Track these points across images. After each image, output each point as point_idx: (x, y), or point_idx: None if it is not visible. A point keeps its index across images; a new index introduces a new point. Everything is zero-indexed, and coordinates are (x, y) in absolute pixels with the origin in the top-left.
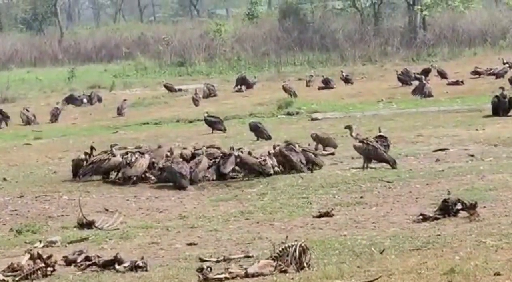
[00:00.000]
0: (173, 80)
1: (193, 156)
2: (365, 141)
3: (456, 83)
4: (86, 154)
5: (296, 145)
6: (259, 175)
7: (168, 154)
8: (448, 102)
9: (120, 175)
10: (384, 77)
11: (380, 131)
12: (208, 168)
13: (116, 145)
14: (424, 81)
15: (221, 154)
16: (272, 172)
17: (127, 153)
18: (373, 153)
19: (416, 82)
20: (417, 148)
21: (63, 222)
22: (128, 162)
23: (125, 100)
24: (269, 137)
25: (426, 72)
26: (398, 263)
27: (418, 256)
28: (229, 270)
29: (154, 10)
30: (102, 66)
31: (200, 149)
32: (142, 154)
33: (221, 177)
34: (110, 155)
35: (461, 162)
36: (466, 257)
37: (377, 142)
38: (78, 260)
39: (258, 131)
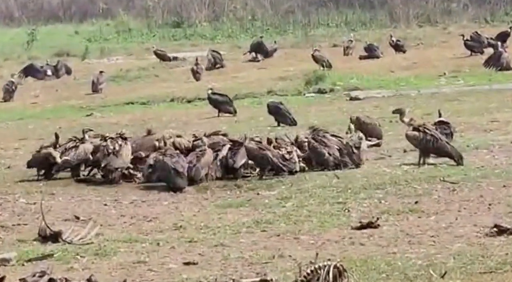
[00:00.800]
0: (167, 46)
1: (193, 146)
2: (421, 129)
3: None
4: (55, 144)
5: (326, 134)
6: (280, 172)
7: (159, 144)
8: None
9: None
10: (448, 43)
11: (440, 116)
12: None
13: (91, 130)
14: (500, 49)
15: (229, 143)
16: (298, 168)
17: (105, 139)
18: (432, 144)
19: (489, 51)
20: (491, 138)
21: (19, 234)
22: (110, 150)
23: (101, 72)
24: (293, 123)
25: (503, 37)
26: None
27: (491, 281)
28: None
29: None
30: (72, 27)
31: (200, 138)
32: (125, 139)
33: (230, 174)
34: (79, 142)
35: None
36: None
37: (437, 129)
38: None
39: (279, 114)
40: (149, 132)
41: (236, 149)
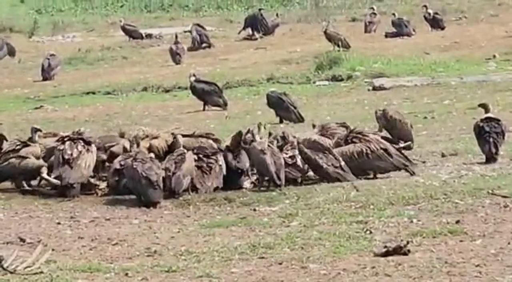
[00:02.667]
0: (138, 19)
1: (170, 148)
2: None
3: None
4: None
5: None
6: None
7: (129, 145)
8: None
9: (46, 176)
10: (498, 17)
11: (488, 111)
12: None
13: (38, 130)
14: None
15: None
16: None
17: (62, 141)
18: None
19: None
20: None
21: None
22: (65, 157)
23: (52, 55)
24: (299, 119)
25: None
26: None
27: None
28: None
29: None
30: None
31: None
32: (88, 143)
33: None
34: (22, 144)
35: None
36: None
37: (482, 127)
38: None
39: (281, 108)
40: (122, 136)
41: (239, 151)
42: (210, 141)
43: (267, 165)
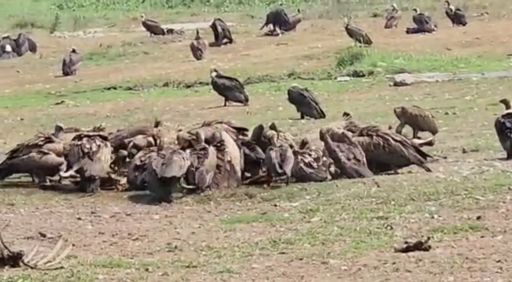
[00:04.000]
0: (159, 15)
1: (190, 144)
2: None
3: None
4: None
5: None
6: (303, 180)
7: (153, 140)
8: None
9: (66, 174)
10: None
11: (508, 107)
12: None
13: (62, 129)
14: None
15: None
16: (329, 176)
17: (80, 138)
18: None
19: None
20: None
21: None
22: (85, 151)
23: (74, 51)
24: (321, 115)
25: None
26: None
27: None
28: None
29: None
30: None
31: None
32: (105, 138)
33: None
34: (45, 140)
35: None
36: None
37: (504, 123)
38: None
39: (303, 104)
40: (156, 125)
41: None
42: (226, 125)
43: (271, 158)
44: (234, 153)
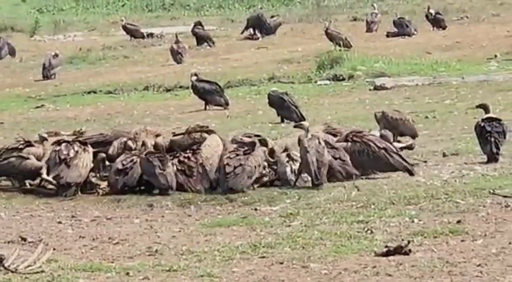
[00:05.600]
0: (139, 18)
1: (170, 148)
2: None
3: None
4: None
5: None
6: (284, 184)
7: (133, 143)
8: None
9: (47, 177)
10: (500, 17)
11: (486, 110)
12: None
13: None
14: None
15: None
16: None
17: (59, 143)
18: None
19: None
20: None
21: None
22: (62, 157)
23: (56, 55)
24: (300, 118)
25: None
26: None
27: None
28: None
29: None
30: None
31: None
32: (84, 144)
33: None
34: (24, 144)
35: None
36: None
37: (484, 127)
38: None
39: (282, 107)
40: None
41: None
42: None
43: (308, 163)
44: (208, 156)
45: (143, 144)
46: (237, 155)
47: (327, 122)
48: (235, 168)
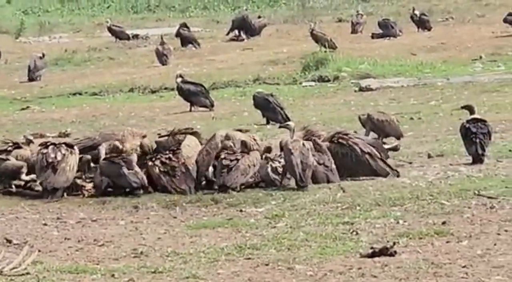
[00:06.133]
0: (124, 20)
1: (155, 150)
2: None
3: None
4: None
5: (322, 134)
6: (269, 185)
7: (120, 145)
8: None
9: (26, 178)
10: (485, 18)
11: (472, 112)
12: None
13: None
14: None
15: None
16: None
17: (46, 146)
18: None
19: None
20: None
21: None
22: (49, 160)
23: (42, 56)
24: (285, 120)
25: None
26: None
27: None
28: None
29: None
30: None
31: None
32: (71, 147)
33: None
34: (12, 146)
35: None
36: None
37: (469, 128)
38: None
39: (268, 109)
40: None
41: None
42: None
43: (293, 165)
44: (189, 155)
45: (141, 145)
46: (234, 152)
47: (306, 126)
48: (230, 163)
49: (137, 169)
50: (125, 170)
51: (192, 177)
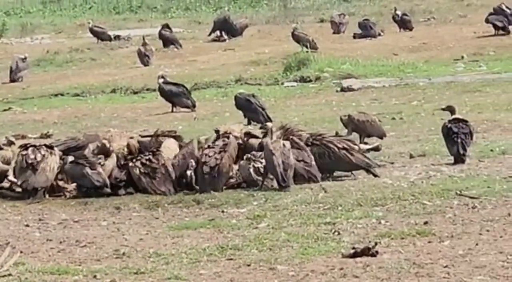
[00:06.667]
0: (106, 21)
1: (139, 150)
2: None
3: None
4: None
5: (303, 134)
6: (251, 185)
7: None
8: None
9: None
10: (466, 18)
11: (453, 112)
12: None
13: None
14: None
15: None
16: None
17: (26, 148)
18: None
19: None
20: None
21: None
22: (29, 161)
23: (24, 58)
24: (267, 120)
25: None
26: None
27: None
28: None
29: None
30: None
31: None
32: (51, 147)
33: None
34: None
35: None
36: None
37: (450, 128)
38: None
39: (249, 109)
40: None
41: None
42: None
43: (275, 166)
44: (169, 157)
45: (128, 145)
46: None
47: (284, 125)
48: (211, 168)
49: (100, 169)
50: (88, 170)
51: (171, 179)
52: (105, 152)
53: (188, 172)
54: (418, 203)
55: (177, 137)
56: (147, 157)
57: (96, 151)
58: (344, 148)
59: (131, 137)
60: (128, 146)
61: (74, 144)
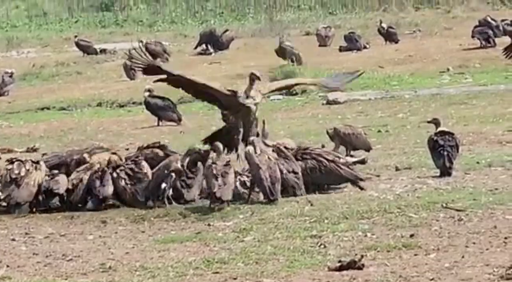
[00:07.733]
0: (92, 35)
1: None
2: None
3: None
4: None
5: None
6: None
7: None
8: None
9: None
10: (452, 31)
11: (438, 125)
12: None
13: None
14: None
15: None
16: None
17: (11, 162)
18: None
19: (506, 40)
20: (507, 152)
21: None
22: (13, 177)
23: (11, 73)
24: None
25: None
26: None
27: None
28: None
29: None
30: None
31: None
32: (36, 163)
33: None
34: None
35: None
36: None
37: (436, 141)
38: None
39: None
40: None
41: None
42: (156, 151)
43: (262, 179)
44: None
45: (109, 161)
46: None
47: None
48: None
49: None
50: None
51: (151, 190)
52: (83, 164)
53: (163, 185)
54: (404, 216)
55: (162, 147)
56: (129, 166)
57: (75, 163)
58: (332, 161)
59: (114, 153)
60: (109, 161)
61: (57, 161)
